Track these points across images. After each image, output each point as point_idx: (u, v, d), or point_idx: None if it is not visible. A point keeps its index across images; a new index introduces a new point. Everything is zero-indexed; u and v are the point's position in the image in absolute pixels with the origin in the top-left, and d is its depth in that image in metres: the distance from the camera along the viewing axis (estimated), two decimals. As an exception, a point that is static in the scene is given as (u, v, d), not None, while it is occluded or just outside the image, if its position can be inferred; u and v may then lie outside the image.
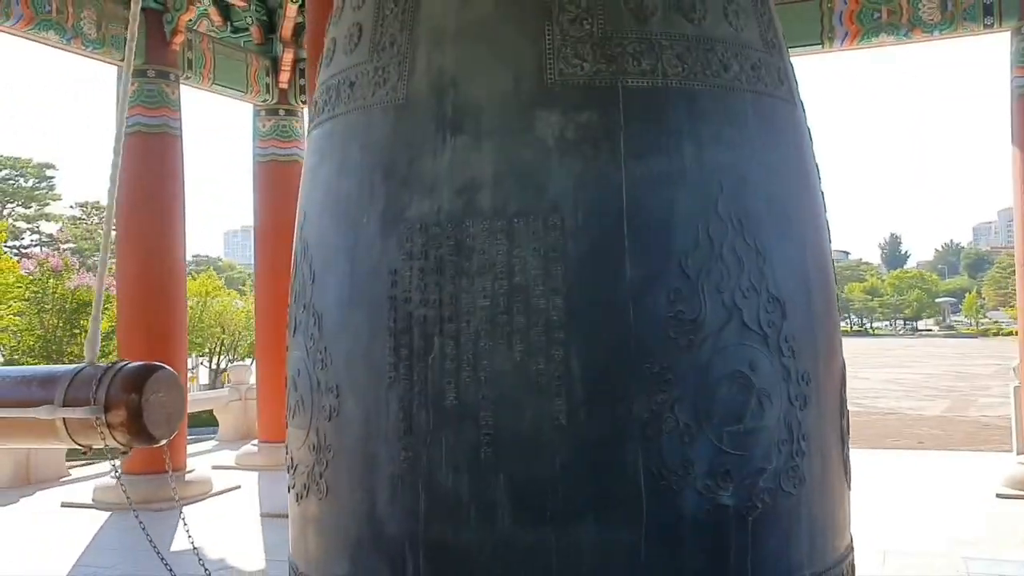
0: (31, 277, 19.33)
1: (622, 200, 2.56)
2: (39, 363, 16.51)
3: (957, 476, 9.66)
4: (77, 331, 18.59)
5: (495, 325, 2.54)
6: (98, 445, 3.34)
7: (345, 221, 2.85)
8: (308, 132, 3.27)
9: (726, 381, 2.56)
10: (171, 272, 9.79)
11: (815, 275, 2.89)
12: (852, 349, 3.17)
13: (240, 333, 27.38)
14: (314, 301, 2.93)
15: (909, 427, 17.83)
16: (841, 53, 9.43)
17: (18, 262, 21.72)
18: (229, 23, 11.06)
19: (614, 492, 2.50)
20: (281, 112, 11.68)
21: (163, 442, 3.34)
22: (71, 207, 51.75)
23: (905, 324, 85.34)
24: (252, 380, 13.79)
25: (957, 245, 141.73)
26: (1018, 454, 9.68)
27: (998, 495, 8.48)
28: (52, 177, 49.70)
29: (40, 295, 18.89)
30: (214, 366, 28.91)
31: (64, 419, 3.27)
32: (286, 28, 11.09)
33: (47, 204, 49.13)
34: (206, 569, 3.97)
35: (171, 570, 3.79)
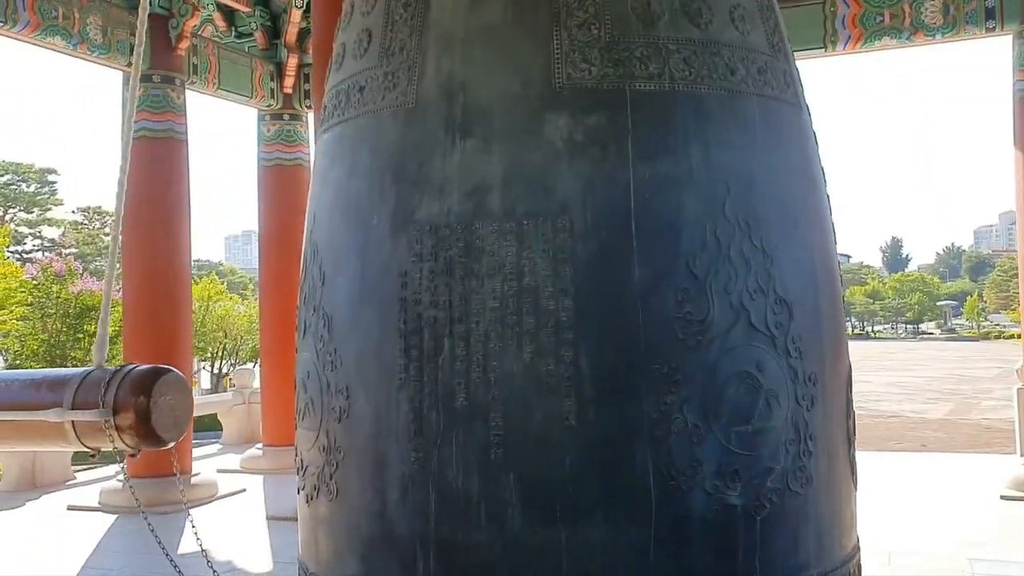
0: (34, 282, 19.37)
1: (630, 202, 2.58)
2: (43, 367, 16.53)
3: (961, 478, 9.66)
4: (81, 335, 18.64)
5: (505, 326, 2.57)
6: (107, 448, 3.36)
7: (355, 223, 2.87)
8: (318, 136, 3.30)
9: (734, 381, 2.59)
10: (176, 276, 9.82)
11: (821, 276, 2.92)
12: (854, 352, 3.19)
13: (242, 338, 27.40)
14: (324, 303, 2.95)
15: (912, 430, 17.82)
16: (843, 56, 9.45)
17: (21, 267, 21.77)
18: (233, 28, 11.09)
19: (623, 492, 2.52)
20: (285, 116, 11.70)
21: (171, 445, 3.36)
22: (73, 212, 51.89)
23: (908, 327, 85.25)
24: (256, 384, 13.80)
25: (958, 248, 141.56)
26: (1022, 456, 9.68)
27: (1002, 497, 8.48)
28: (54, 182, 49.79)
29: (44, 300, 18.94)
30: (216, 371, 28.91)
31: (73, 422, 3.29)
32: (290, 33, 11.13)
33: (49, 209, 49.17)
34: (215, 571, 3.98)
35: (180, 572, 3.80)
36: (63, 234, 48.70)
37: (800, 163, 2.97)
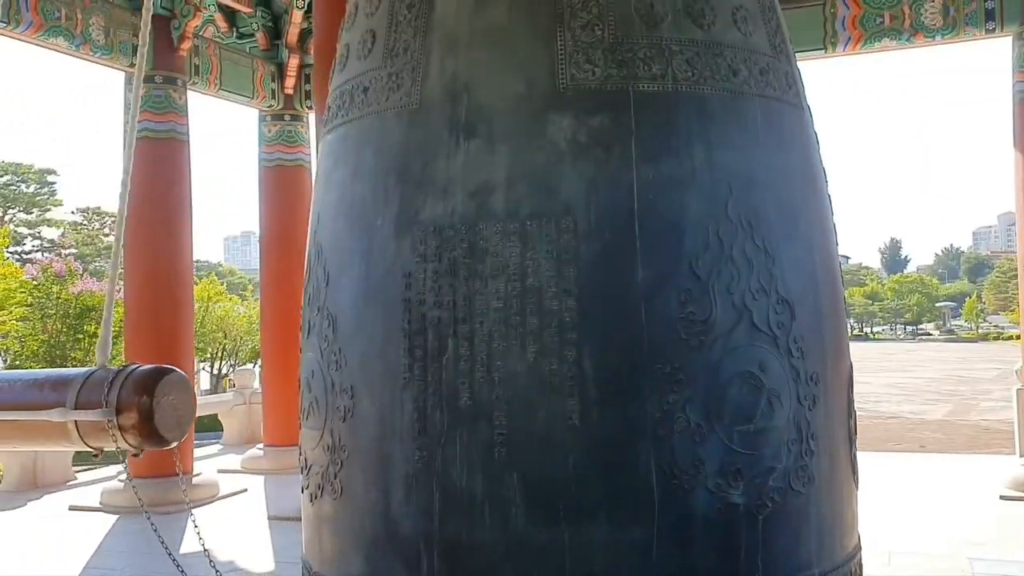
0: (34, 282, 19.37)
1: (634, 203, 2.60)
2: (43, 368, 16.53)
3: (960, 479, 9.67)
4: (81, 336, 18.64)
5: (508, 326, 2.58)
6: (110, 447, 3.37)
7: (359, 224, 2.88)
8: (321, 136, 3.31)
9: (736, 381, 2.60)
10: (178, 276, 9.83)
11: (823, 277, 2.93)
12: (853, 353, 3.21)
13: (242, 338, 27.41)
14: (328, 303, 2.96)
15: (911, 431, 17.84)
16: (843, 58, 9.46)
17: (21, 267, 21.76)
18: (235, 29, 11.10)
19: (626, 491, 2.53)
20: (287, 117, 11.72)
21: (174, 444, 3.37)
22: (72, 212, 51.84)
23: (907, 328, 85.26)
24: (256, 384, 13.82)
25: (957, 249, 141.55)
26: (1021, 456, 9.69)
27: (1001, 497, 8.50)
28: (54, 183, 49.75)
29: (43, 300, 18.94)
30: (215, 371, 28.91)
31: (76, 422, 3.30)
32: (291, 34, 11.14)
33: (48, 210, 49.14)
34: (217, 571, 3.99)
35: (183, 572, 3.81)
36: (63, 235, 48.66)
37: (801, 163, 2.98)
